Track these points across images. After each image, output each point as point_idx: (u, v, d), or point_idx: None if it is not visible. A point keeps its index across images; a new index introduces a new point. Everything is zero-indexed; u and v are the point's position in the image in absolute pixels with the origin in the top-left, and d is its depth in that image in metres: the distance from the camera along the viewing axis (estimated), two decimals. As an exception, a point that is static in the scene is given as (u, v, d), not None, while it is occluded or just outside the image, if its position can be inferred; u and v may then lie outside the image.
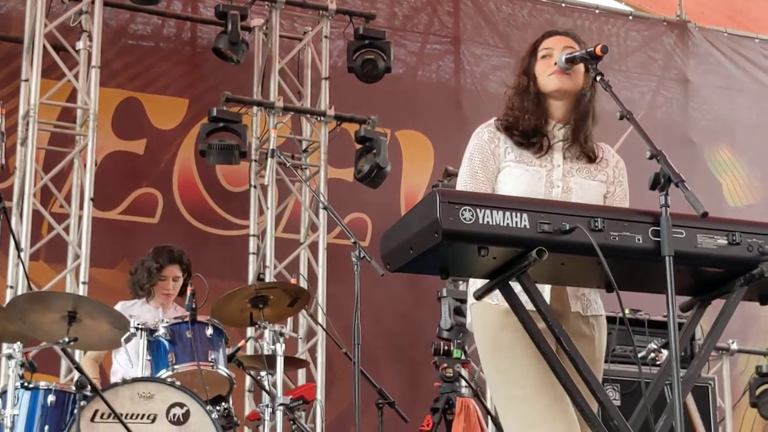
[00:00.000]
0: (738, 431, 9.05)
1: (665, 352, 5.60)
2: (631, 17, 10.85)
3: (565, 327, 3.47)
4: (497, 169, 3.74)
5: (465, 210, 3.12)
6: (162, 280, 6.62)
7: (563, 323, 3.52)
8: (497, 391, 3.69)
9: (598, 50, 3.61)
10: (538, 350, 3.35)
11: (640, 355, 6.11)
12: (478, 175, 3.73)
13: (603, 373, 6.51)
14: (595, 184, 3.80)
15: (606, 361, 6.73)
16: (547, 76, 3.77)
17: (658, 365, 5.82)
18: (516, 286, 3.34)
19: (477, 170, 3.73)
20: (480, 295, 3.45)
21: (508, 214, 3.15)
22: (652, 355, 6.01)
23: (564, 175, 3.75)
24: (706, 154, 10.62)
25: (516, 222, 3.16)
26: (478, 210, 3.13)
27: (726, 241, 3.34)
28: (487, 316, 3.64)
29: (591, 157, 3.81)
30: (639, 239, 3.26)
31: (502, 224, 3.14)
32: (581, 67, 3.75)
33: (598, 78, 3.60)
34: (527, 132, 3.76)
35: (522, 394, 3.55)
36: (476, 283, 3.54)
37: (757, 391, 8.49)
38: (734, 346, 8.84)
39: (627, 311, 6.84)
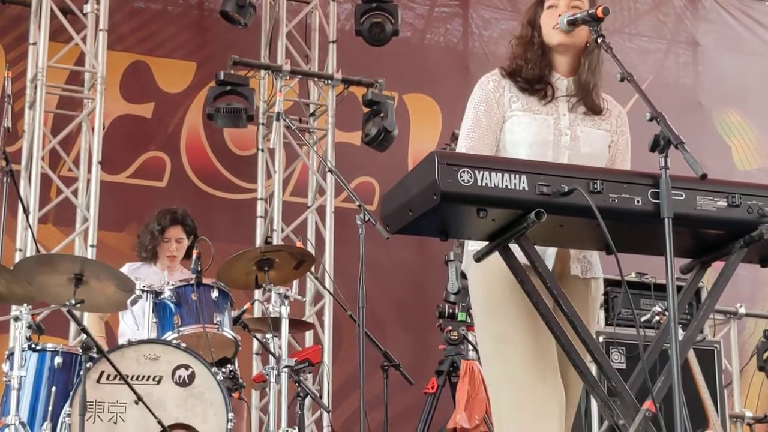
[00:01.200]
0: (745, 395, 9.04)
1: (670, 315, 5.61)
2: (641, -20, 10.80)
3: (563, 288, 3.49)
4: (502, 117, 3.74)
5: (463, 172, 3.12)
6: (165, 242, 6.66)
7: (562, 284, 3.53)
8: (485, 345, 3.70)
9: (599, 12, 3.59)
10: (535, 311, 3.37)
11: (644, 319, 6.12)
12: (482, 123, 3.72)
13: (609, 337, 6.59)
14: (601, 133, 3.81)
15: (611, 325, 6.81)
16: (552, 29, 3.76)
17: (663, 328, 5.84)
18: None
19: (481, 118, 3.73)
20: (480, 257, 3.46)
21: (506, 175, 3.16)
22: (657, 318, 6.02)
23: (570, 123, 3.76)
24: (715, 117, 10.57)
25: (515, 184, 3.17)
26: (476, 172, 3.13)
27: (726, 203, 3.34)
28: (484, 270, 3.62)
29: (596, 110, 3.81)
30: (638, 201, 3.26)
31: (500, 186, 3.15)
32: None
33: (599, 40, 3.58)
34: (531, 80, 3.77)
35: (510, 351, 3.56)
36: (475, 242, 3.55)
37: (765, 355, 8.47)
38: (742, 310, 8.83)
39: (633, 275, 6.92)
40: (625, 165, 3.87)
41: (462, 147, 3.71)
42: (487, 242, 3.41)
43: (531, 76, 3.77)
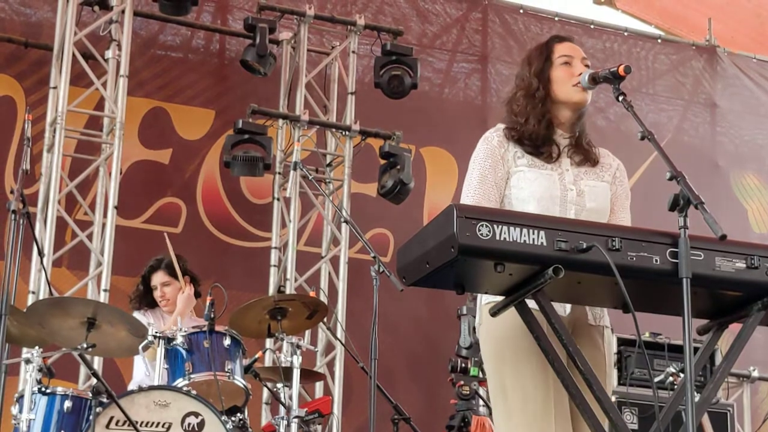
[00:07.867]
0: (757, 459, 8.98)
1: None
2: (659, 41, 10.83)
3: (579, 335, 3.47)
4: (507, 173, 3.74)
5: (482, 225, 3.11)
6: (153, 290, 6.66)
7: (578, 331, 3.51)
8: (497, 399, 3.67)
9: (621, 70, 3.59)
10: (548, 365, 3.35)
11: (658, 379, 6.08)
12: (488, 179, 3.72)
13: (621, 397, 6.54)
14: (604, 185, 3.82)
15: (624, 385, 6.77)
16: (572, 87, 3.75)
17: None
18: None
19: (487, 174, 3.73)
20: (496, 312, 3.44)
21: (525, 230, 3.15)
22: (671, 378, 5.98)
23: (575, 178, 3.76)
24: (732, 179, 10.57)
25: (533, 239, 3.15)
26: (495, 226, 3.12)
27: (744, 265, 3.32)
28: (497, 323, 3.59)
29: (594, 161, 3.82)
30: (657, 260, 3.24)
31: (519, 241, 3.14)
32: None
33: (620, 98, 3.58)
34: (536, 141, 3.75)
35: (523, 405, 3.54)
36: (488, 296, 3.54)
37: (777, 420, 8.42)
38: (755, 374, 8.78)
39: (647, 334, 6.89)
40: (625, 213, 3.87)
41: (467, 202, 3.70)
42: (503, 296, 3.39)
43: (537, 136, 3.75)
